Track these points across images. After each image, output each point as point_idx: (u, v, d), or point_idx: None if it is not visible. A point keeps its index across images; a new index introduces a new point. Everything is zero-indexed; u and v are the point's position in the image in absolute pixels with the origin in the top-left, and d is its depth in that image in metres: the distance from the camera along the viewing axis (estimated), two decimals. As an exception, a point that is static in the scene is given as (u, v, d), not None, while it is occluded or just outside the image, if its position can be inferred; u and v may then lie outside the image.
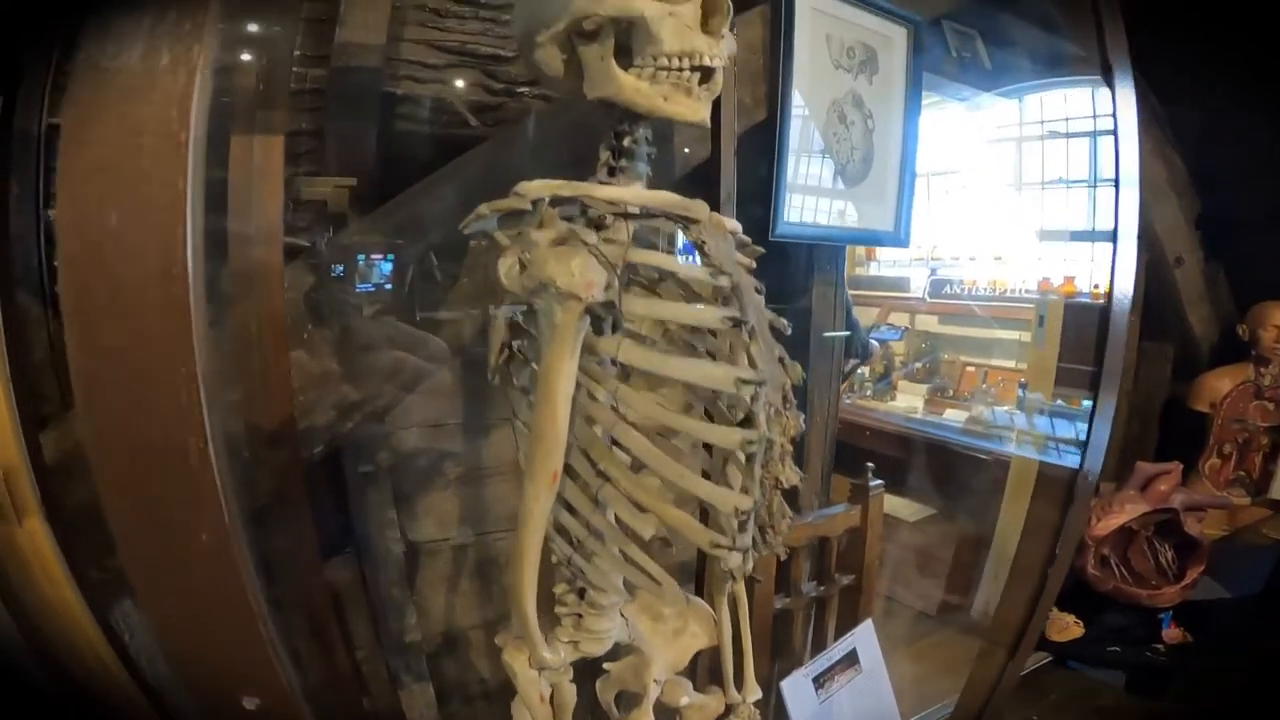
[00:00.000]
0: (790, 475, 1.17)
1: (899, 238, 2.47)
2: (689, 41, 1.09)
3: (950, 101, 2.95)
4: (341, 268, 1.76)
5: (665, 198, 1.15)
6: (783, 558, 1.73)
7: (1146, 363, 3.39)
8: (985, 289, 3.88)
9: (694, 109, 1.11)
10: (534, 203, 1.07)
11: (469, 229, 1.10)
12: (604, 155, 1.21)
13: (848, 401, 3.37)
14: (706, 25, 1.12)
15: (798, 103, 2.08)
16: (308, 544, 1.66)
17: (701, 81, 1.11)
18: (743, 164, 2.06)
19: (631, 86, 1.10)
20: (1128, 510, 2.86)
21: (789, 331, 1.22)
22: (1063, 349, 3.16)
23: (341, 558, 1.87)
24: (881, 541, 2.30)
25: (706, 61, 1.09)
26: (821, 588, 2.17)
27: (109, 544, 1.17)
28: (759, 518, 1.15)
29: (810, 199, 2.18)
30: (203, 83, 1.07)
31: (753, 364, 1.06)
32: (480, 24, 2.03)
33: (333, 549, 1.85)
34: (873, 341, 3.47)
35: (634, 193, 1.14)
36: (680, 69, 1.09)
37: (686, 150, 1.90)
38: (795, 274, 2.40)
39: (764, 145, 2.05)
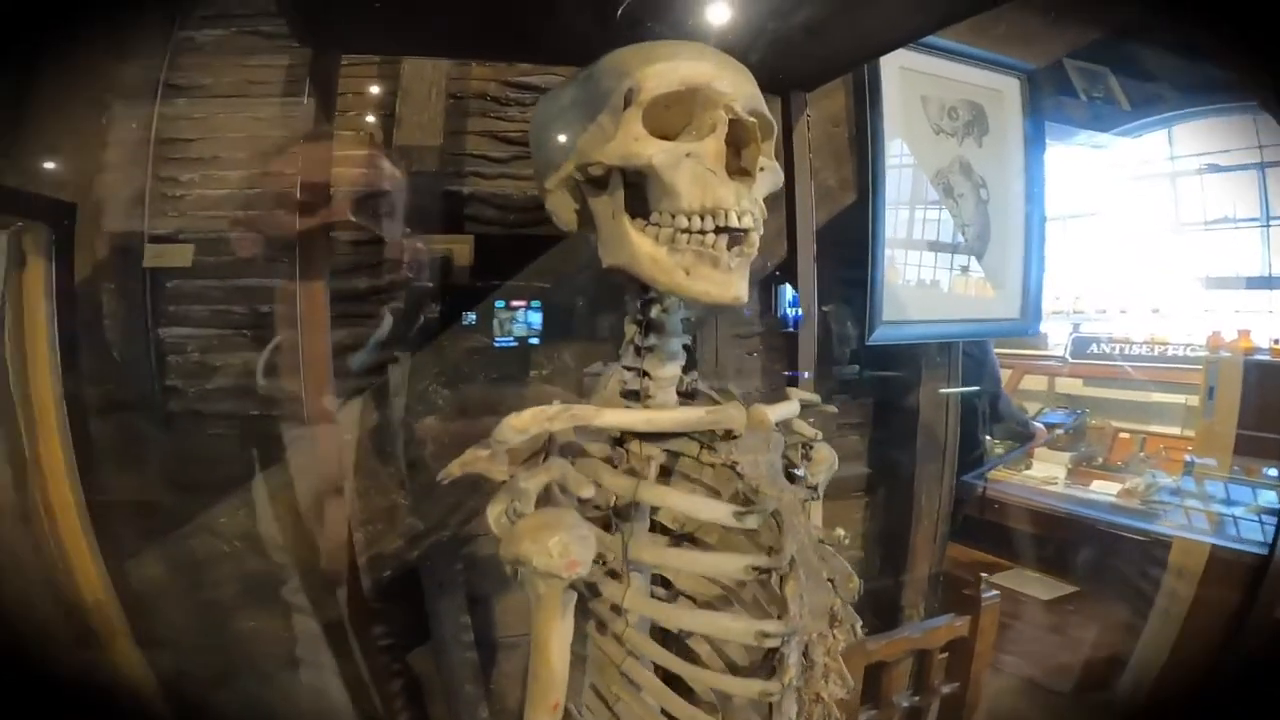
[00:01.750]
0: (834, 691, 0.96)
1: (1027, 324, 2.13)
2: (711, 193, 0.89)
3: (1084, 143, 2.56)
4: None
5: (685, 416, 0.96)
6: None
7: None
8: (1141, 347, 3.39)
9: (723, 285, 0.90)
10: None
11: (447, 480, 0.95)
12: (629, 331, 1.05)
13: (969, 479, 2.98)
14: (739, 159, 0.94)
15: (893, 180, 1.82)
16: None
17: (732, 244, 0.91)
18: (830, 255, 1.84)
19: (648, 256, 0.91)
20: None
21: (847, 542, 1.01)
22: (1242, 413, 2.69)
23: (424, 648, 1.83)
24: (993, 651, 2.02)
25: (733, 221, 0.89)
26: (917, 697, 1.92)
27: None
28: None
29: (913, 289, 1.91)
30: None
31: (785, 608, 0.88)
32: (544, 108, 1.91)
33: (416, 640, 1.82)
34: (1037, 425, 3.05)
35: (645, 416, 0.96)
36: (703, 231, 0.89)
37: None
38: (898, 365, 2.13)
39: (855, 233, 1.80)
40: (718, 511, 0.90)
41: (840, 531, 1.05)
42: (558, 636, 0.86)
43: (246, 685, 1.57)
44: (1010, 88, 2.01)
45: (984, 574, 1.96)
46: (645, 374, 1.03)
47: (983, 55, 1.95)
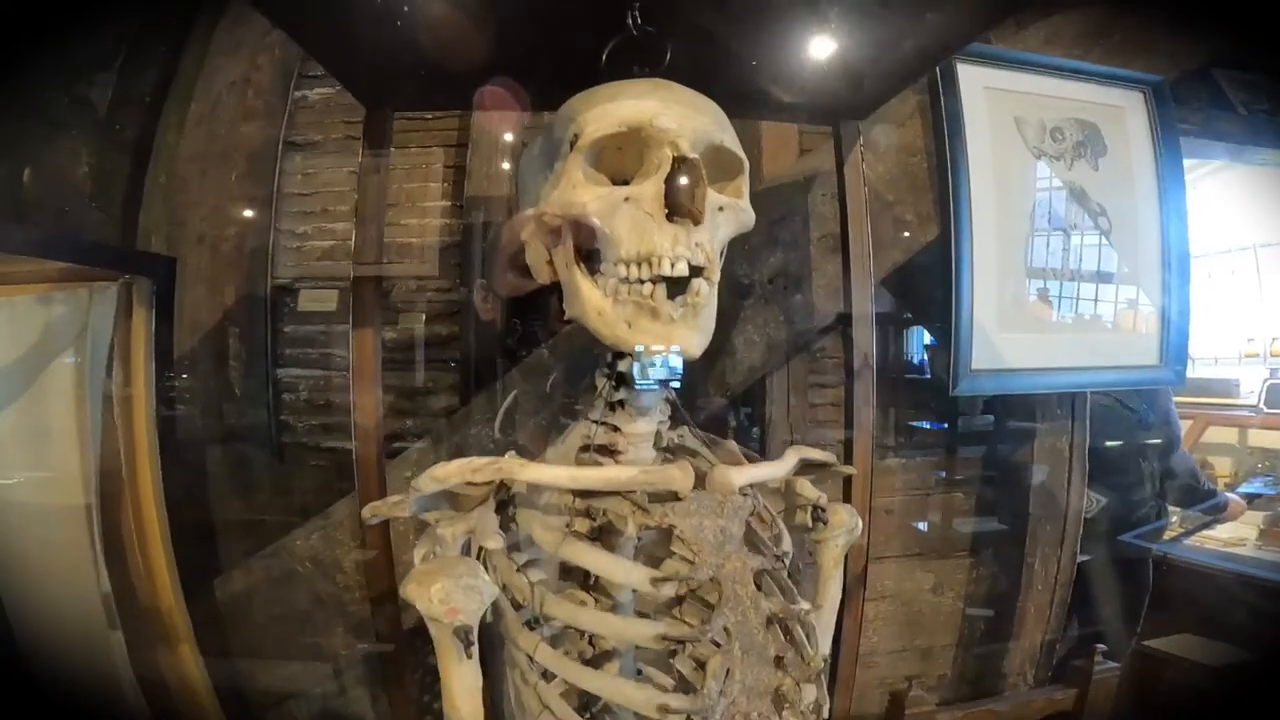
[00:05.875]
0: None
1: (1168, 372, 1.81)
2: (648, 239, 0.86)
3: (1269, 161, 2.16)
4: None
5: (615, 475, 0.91)
6: None
7: None
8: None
9: (663, 338, 0.86)
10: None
11: (372, 520, 0.96)
12: (600, 384, 1.01)
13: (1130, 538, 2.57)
14: (690, 198, 0.86)
15: (985, 211, 1.63)
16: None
17: (675, 293, 0.86)
18: (915, 297, 1.69)
19: (595, 309, 0.90)
20: None
21: (812, 614, 0.91)
22: None
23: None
24: None
25: (667, 269, 0.84)
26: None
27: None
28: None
29: (1014, 334, 1.67)
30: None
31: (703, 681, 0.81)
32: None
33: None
34: (1230, 496, 2.63)
35: (569, 473, 0.91)
36: (640, 280, 0.86)
37: (816, 301, 1.60)
38: (1009, 418, 1.91)
39: (939, 271, 1.64)
40: (634, 576, 0.85)
41: (805, 605, 0.94)
42: (459, 680, 0.84)
43: (302, 704, 1.66)
44: (1131, 102, 1.75)
45: (1100, 645, 1.74)
46: (616, 429, 1.00)
47: (1091, 69, 1.72)
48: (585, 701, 0.96)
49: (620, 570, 0.87)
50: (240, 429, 1.84)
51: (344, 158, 1.89)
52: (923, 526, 1.92)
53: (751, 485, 0.98)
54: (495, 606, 0.96)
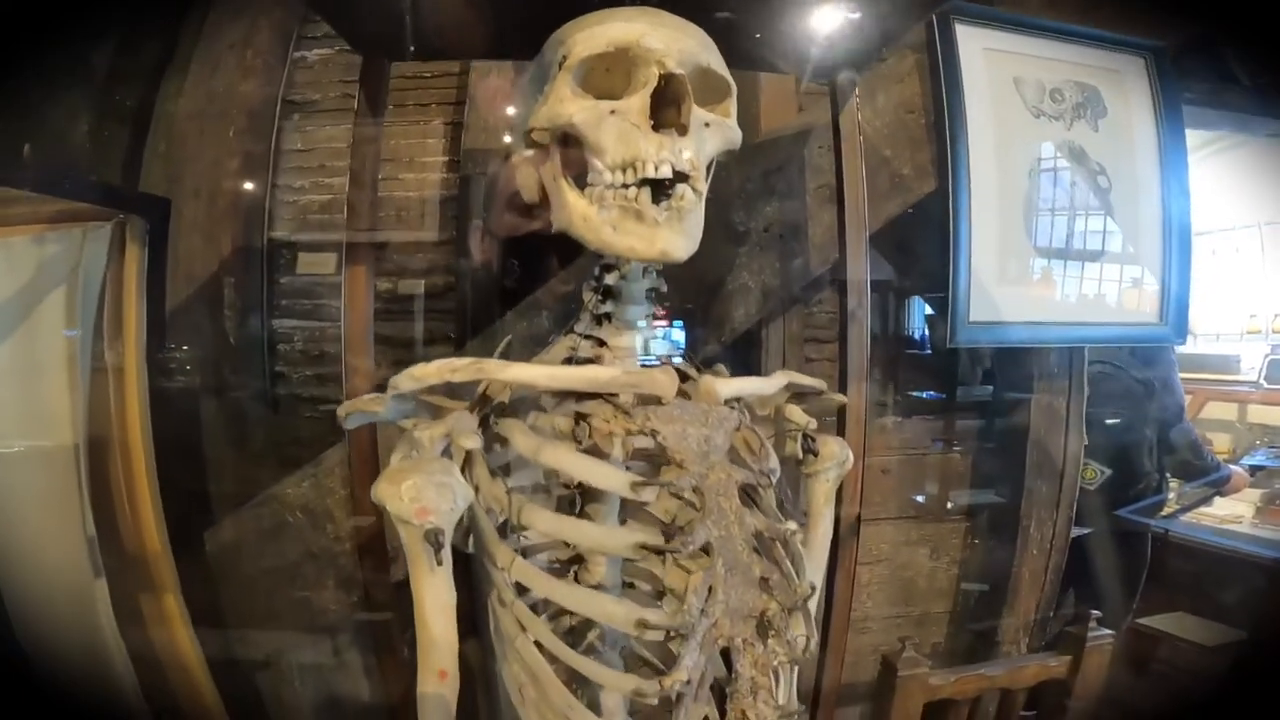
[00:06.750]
0: (763, 712, 0.82)
1: (1168, 331, 1.81)
2: (633, 146, 0.86)
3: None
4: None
5: (596, 375, 0.91)
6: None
7: None
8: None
9: (647, 240, 0.85)
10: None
11: (346, 421, 0.96)
12: (588, 298, 1.02)
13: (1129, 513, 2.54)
14: (677, 114, 0.88)
15: (984, 168, 1.63)
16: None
17: (659, 197, 0.86)
18: (911, 249, 1.68)
19: (580, 215, 0.89)
20: None
21: (800, 535, 0.90)
22: None
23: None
24: (1098, 702, 1.73)
25: (651, 171, 0.84)
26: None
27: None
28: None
29: (1013, 288, 1.67)
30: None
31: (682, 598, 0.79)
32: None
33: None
34: (1234, 469, 2.61)
35: (549, 372, 0.91)
36: (625, 185, 0.85)
37: (811, 250, 1.60)
38: (1007, 377, 1.90)
39: (936, 225, 1.64)
40: (614, 480, 0.84)
41: (792, 526, 0.92)
42: (431, 595, 0.83)
43: (290, 654, 1.65)
44: (1131, 67, 1.75)
45: (1095, 611, 1.69)
46: (602, 343, 1.00)
47: (1091, 33, 1.72)
48: (569, 643, 0.95)
49: (599, 473, 0.86)
50: (233, 377, 1.85)
51: (341, 116, 1.89)
52: (919, 490, 1.91)
53: (739, 399, 0.98)
54: (475, 526, 0.95)
